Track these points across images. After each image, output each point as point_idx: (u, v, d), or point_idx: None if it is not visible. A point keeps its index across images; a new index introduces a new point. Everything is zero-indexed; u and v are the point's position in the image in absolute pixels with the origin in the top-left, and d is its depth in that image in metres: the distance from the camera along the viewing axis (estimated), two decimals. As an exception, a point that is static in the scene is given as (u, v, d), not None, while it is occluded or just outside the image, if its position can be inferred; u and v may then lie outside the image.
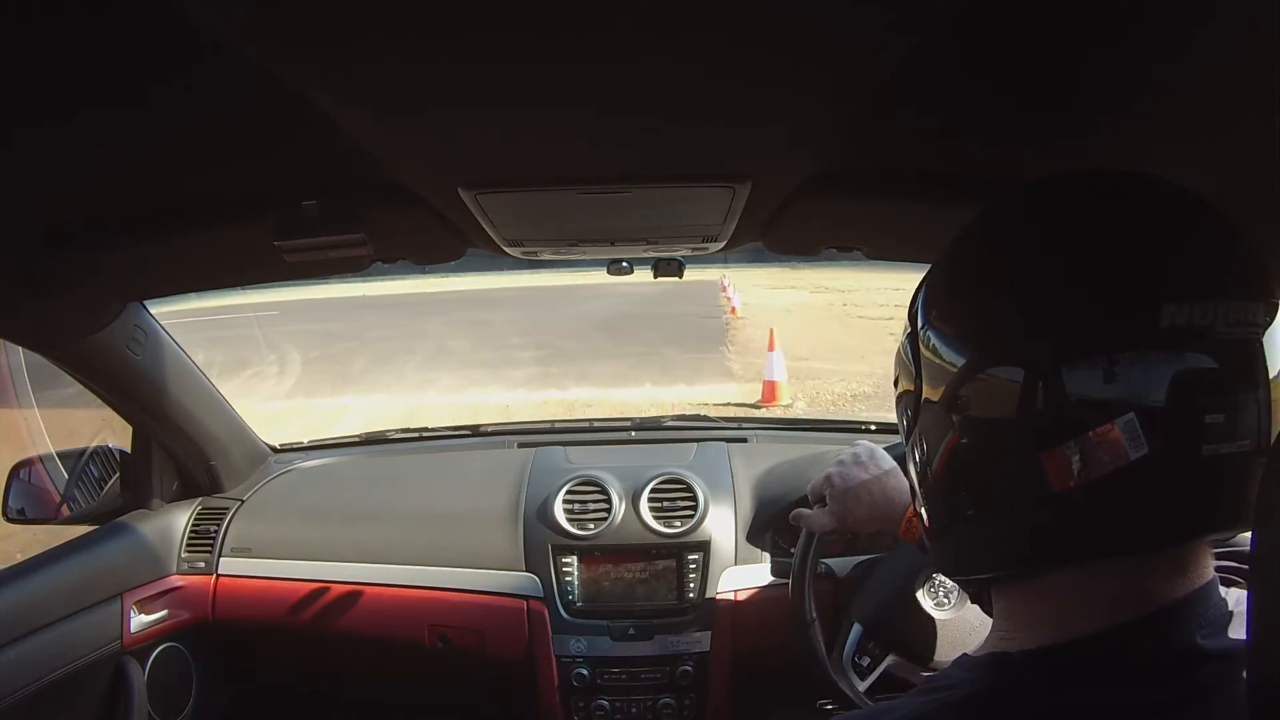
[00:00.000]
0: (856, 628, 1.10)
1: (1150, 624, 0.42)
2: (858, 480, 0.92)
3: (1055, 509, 0.42)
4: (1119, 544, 0.43)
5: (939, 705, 0.45)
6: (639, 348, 8.29)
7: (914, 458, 0.51)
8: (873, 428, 1.62)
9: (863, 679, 1.07)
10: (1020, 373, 0.42)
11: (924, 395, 0.49)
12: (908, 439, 0.52)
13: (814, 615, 1.09)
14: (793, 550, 1.15)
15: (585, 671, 1.29)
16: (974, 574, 0.51)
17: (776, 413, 5.49)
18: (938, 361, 0.47)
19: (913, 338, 0.51)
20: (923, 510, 0.52)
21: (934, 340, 0.48)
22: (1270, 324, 0.42)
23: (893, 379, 0.55)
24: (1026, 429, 0.42)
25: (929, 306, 0.50)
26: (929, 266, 0.52)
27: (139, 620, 1.29)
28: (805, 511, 0.99)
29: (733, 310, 11.21)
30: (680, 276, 1.19)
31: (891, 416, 0.58)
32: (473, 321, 11.05)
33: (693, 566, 1.32)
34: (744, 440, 1.58)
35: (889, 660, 1.07)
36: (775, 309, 11.23)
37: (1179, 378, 0.40)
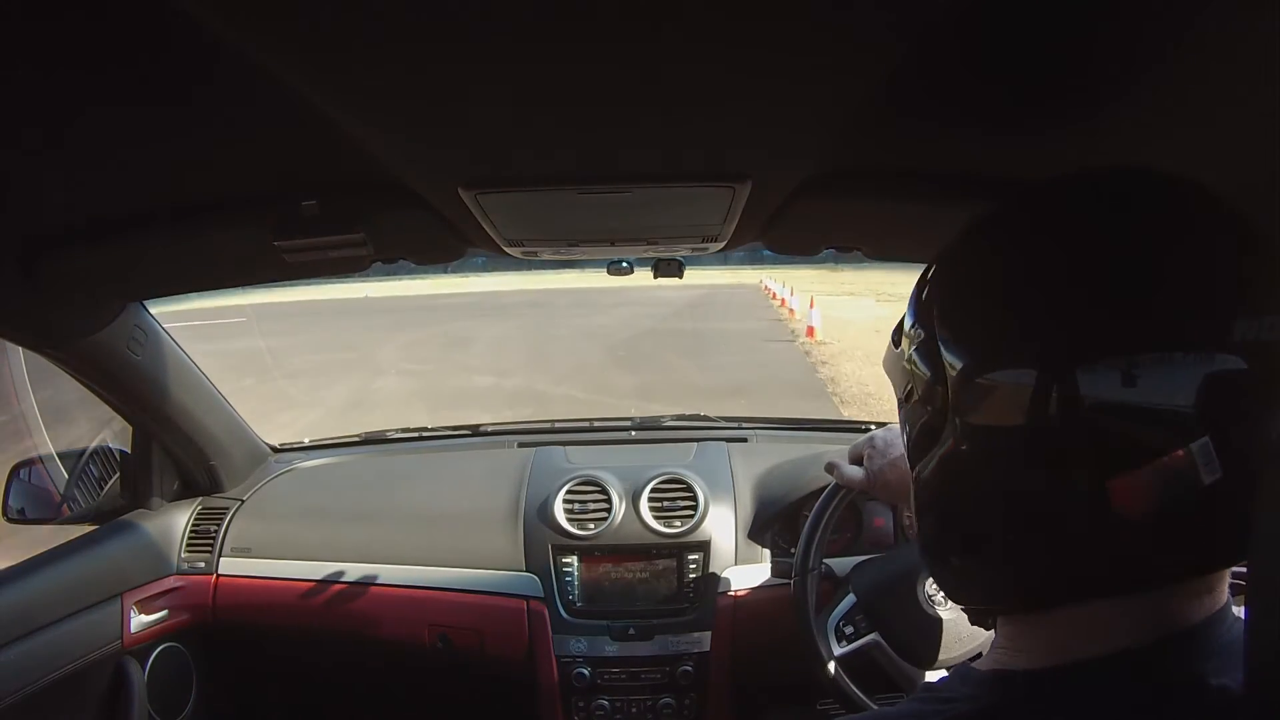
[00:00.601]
0: (850, 596, 1.11)
1: (1163, 649, 0.41)
2: (901, 450, 0.89)
3: (1118, 536, 0.40)
4: (1172, 572, 0.41)
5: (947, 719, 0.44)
6: (683, 405, 4.25)
7: (927, 478, 0.48)
8: (873, 428, 1.62)
9: (840, 645, 1.09)
10: (1091, 392, 0.39)
11: (963, 418, 0.44)
12: (921, 458, 0.48)
13: (815, 566, 1.11)
14: (793, 550, 1.15)
15: (585, 671, 1.30)
16: (990, 604, 0.47)
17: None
18: (988, 383, 0.42)
19: (928, 347, 0.46)
20: (930, 531, 0.49)
21: (978, 356, 0.43)
22: None
23: (901, 393, 0.50)
24: (1096, 455, 0.39)
25: (967, 315, 0.45)
26: (940, 266, 0.50)
27: (139, 620, 1.29)
28: (840, 463, 0.99)
29: (809, 332, 8.33)
30: (680, 276, 1.19)
31: (891, 416, 0.56)
32: (448, 341, 8.72)
33: (693, 566, 1.32)
34: (744, 440, 1.58)
35: (870, 638, 1.08)
36: (856, 326, 8.59)
37: (1245, 393, 0.39)
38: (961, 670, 0.48)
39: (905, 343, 0.50)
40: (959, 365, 0.44)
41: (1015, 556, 0.44)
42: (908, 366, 0.49)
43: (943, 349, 0.46)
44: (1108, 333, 0.40)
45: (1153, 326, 0.39)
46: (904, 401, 0.51)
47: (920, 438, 0.48)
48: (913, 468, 0.50)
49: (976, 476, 0.44)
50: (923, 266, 0.52)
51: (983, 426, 0.43)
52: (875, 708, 1.08)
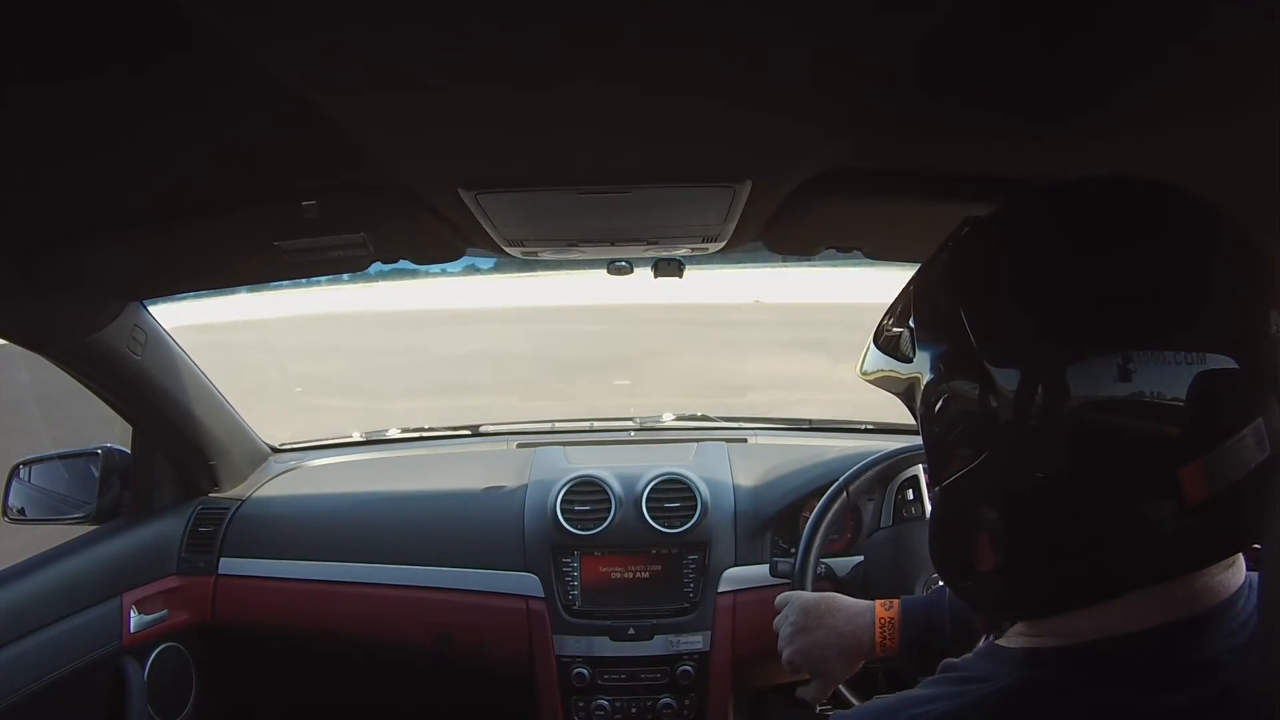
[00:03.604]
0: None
1: (1190, 627, 0.42)
2: (812, 644, 0.88)
3: (1171, 527, 0.40)
4: (1222, 551, 0.42)
5: (972, 700, 0.43)
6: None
7: (959, 485, 0.46)
8: (869, 427, 1.62)
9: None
10: (1163, 385, 0.40)
11: (1022, 416, 0.42)
12: (950, 465, 0.46)
13: (815, 567, 1.10)
14: (793, 550, 1.16)
15: (585, 671, 1.30)
16: (1051, 608, 0.45)
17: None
18: (1050, 378, 0.41)
19: (1008, 338, 0.44)
20: (960, 540, 0.47)
21: (1044, 355, 0.42)
22: None
23: (934, 404, 0.47)
24: (1177, 441, 0.40)
25: (1016, 311, 0.44)
26: (974, 267, 0.48)
27: (139, 620, 1.28)
28: (805, 692, 0.94)
29: None
30: (680, 276, 1.19)
31: (888, 416, 0.55)
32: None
33: (693, 566, 1.32)
34: (744, 440, 1.58)
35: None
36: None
37: (1278, 378, 0.40)
38: (986, 649, 0.48)
39: (926, 344, 0.48)
40: (1009, 355, 0.43)
41: (1066, 560, 0.43)
42: (933, 371, 0.47)
43: (989, 345, 0.44)
44: (1171, 326, 0.40)
45: (1210, 321, 0.41)
46: (931, 411, 0.47)
47: (955, 441, 0.46)
48: (942, 478, 0.47)
49: (1030, 475, 0.42)
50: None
51: (1039, 420, 0.42)
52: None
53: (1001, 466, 0.43)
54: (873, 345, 0.56)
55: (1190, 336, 0.40)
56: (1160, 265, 0.42)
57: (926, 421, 0.48)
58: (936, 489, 0.48)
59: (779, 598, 0.95)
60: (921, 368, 0.48)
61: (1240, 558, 0.44)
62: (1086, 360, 0.41)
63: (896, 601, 0.85)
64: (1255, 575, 0.45)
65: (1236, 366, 0.40)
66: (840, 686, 1.06)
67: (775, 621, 0.93)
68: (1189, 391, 0.39)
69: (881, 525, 1.14)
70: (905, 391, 0.51)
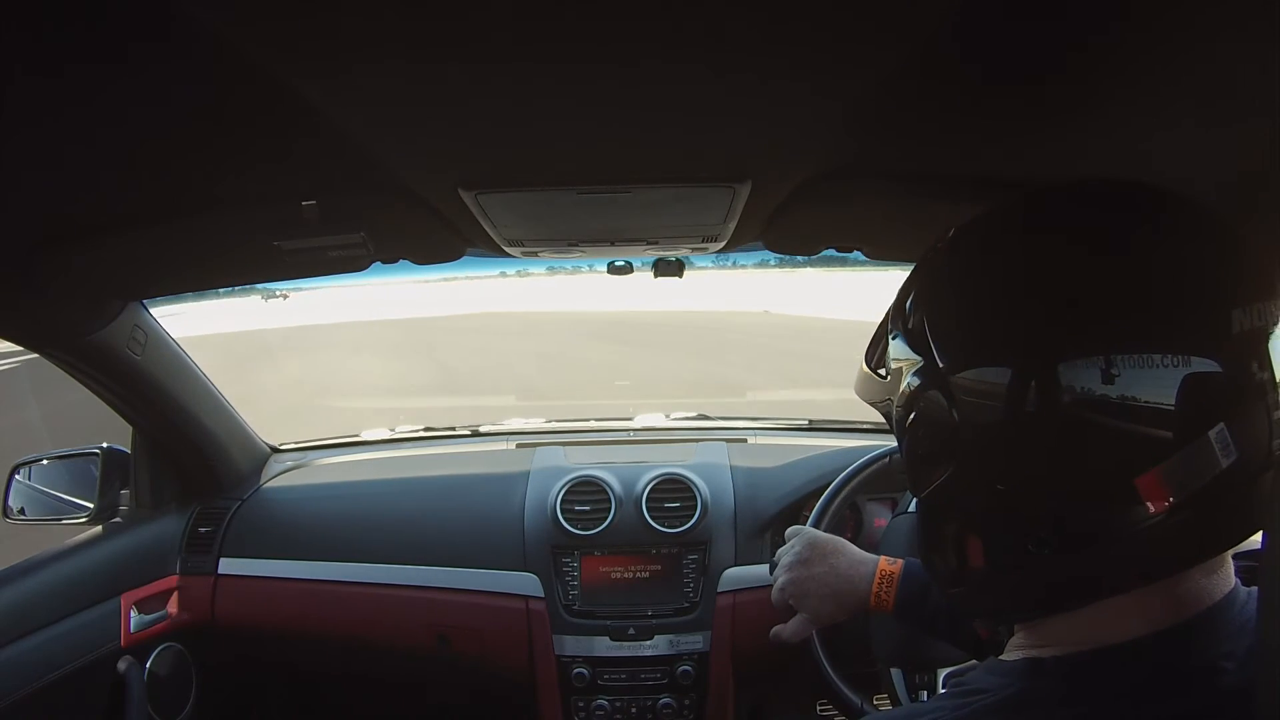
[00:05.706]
0: (896, 672, 1.07)
1: (1181, 633, 0.42)
2: (809, 578, 0.88)
3: (1141, 533, 0.41)
4: (1195, 556, 0.42)
5: (974, 711, 0.44)
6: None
7: (940, 493, 0.47)
8: (869, 427, 1.62)
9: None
10: (1130, 392, 0.40)
11: (977, 426, 0.43)
12: (929, 476, 0.47)
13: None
14: None
15: (585, 671, 1.30)
16: (1035, 612, 0.47)
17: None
18: (998, 386, 0.42)
19: (968, 353, 0.45)
20: (947, 548, 0.48)
21: (993, 358, 0.43)
22: None
23: (906, 417, 0.48)
24: (1133, 449, 0.40)
25: (975, 318, 0.45)
26: (932, 273, 0.50)
27: (139, 620, 1.29)
28: (781, 629, 0.93)
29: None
30: (680, 276, 1.19)
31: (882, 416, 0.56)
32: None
33: (692, 566, 1.32)
34: (744, 440, 1.59)
35: (942, 672, 1.05)
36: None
37: (1248, 380, 0.40)
38: (990, 663, 0.49)
39: (899, 359, 0.49)
40: (969, 370, 0.44)
41: (1041, 566, 0.43)
42: (905, 386, 0.48)
43: (952, 360, 0.45)
44: (1124, 332, 0.41)
45: (1162, 325, 0.41)
46: (904, 426, 0.49)
47: (927, 455, 0.47)
48: (919, 490, 0.49)
49: (994, 486, 0.44)
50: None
51: (999, 432, 0.43)
52: (870, 709, 1.08)
53: (971, 476, 0.44)
54: (863, 361, 0.57)
55: (1156, 341, 0.40)
56: (1128, 269, 0.42)
57: (902, 434, 0.49)
58: (917, 501, 0.49)
59: (789, 529, 0.95)
60: (897, 380, 0.49)
61: (1228, 562, 0.44)
62: (1049, 369, 0.41)
63: (901, 560, 0.85)
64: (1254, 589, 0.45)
65: (1207, 369, 0.40)
66: (831, 675, 1.06)
67: (779, 551, 0.93)
68: (1154, 396, 0.40)
69: (909, 510, 1.14)
70: (885, 405, 0.52)
